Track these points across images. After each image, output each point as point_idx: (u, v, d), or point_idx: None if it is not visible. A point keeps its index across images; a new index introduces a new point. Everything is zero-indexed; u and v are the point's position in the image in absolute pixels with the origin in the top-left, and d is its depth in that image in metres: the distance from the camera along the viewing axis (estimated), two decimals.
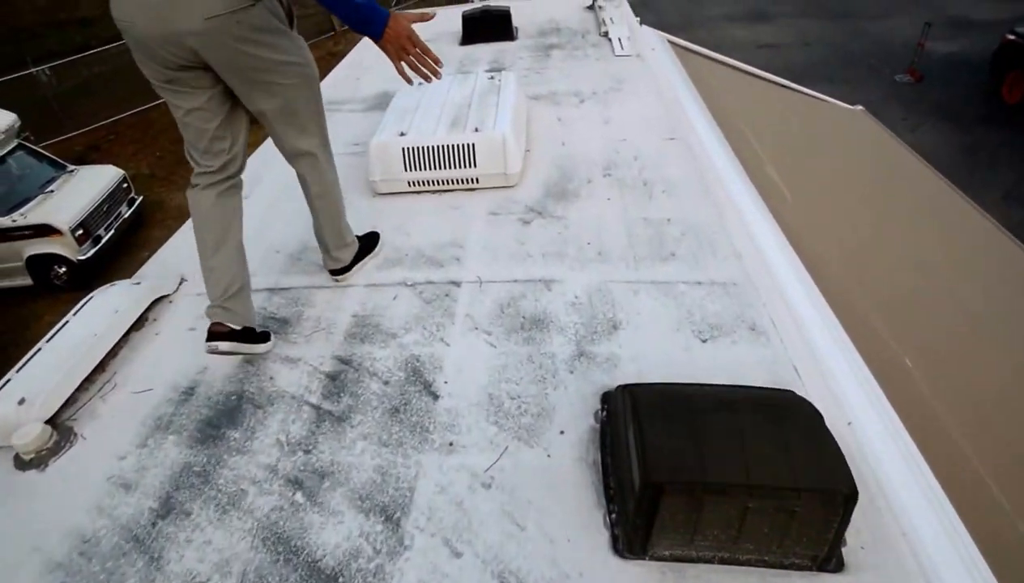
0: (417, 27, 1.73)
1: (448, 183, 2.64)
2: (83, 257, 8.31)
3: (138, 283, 2.20)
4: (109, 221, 8.86)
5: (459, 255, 2.26)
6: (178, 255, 2.47)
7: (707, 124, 3.21)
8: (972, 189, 4.53)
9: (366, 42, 4.98)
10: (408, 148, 2.56)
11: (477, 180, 2.62)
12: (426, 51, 1.75)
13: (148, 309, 2.15)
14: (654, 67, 3.82)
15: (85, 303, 2.09)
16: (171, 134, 13.01)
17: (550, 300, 1.99)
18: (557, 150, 2.91)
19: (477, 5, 4.86)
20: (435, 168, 2.58)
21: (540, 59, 4.12)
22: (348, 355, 1.86)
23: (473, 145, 2.53)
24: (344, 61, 4.59)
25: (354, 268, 2.20)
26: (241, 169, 1.86)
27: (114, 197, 9.04)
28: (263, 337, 1.90)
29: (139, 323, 2.10)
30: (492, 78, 3.07)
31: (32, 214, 8.12)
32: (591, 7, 5.10)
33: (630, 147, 2.87)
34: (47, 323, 8.40)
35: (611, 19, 4.64)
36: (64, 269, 8.40)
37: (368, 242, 2.28)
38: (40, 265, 8.31)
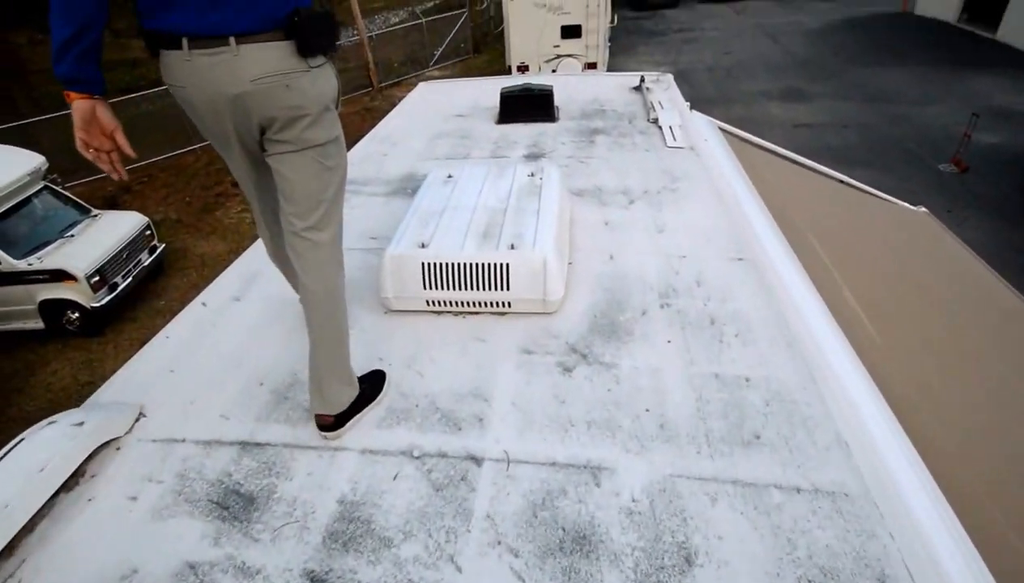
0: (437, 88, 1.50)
1: (474, 306, 2.17)
2: (97, 304, 8.03)
3: (81, 423, 1.73)
4: (128, 268, 8.60)
5: (482, 413, 1.76)
6: (140, 377, 2.01)
7: (777, 240, 2.72)
8: None
9: (399, 111, 4.67)
10: (429, 264, 2.10)
11: (509, 304, 2.14)
12: (99, 157, 1.51)
13: (88, 458, 1.68)
14: (710, 164, 3.37)
15: (8, 452, 1.62)
16: (202, 180, 12.92)
17: (599, 502, 1.47)
18: (604, 266, 2.44)
19: (517, 81, 4.50)
20: (460, 288, 2.11)
21: (584, 146, 3.71)
22: (323, 572, 1.35)
23: (507, 266, 2.06)
24: (371, 134, 4.23)
25: (349, 422, 1.72)
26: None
27: (135, 244, 8.79)
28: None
29: (72, 479, 1.63)
30: (532, 175, 2.63)
31: (49, 258, 7.88)
32: (638, 88, 4.72)
33: (690, 267, 2.39)
34: (52, 371, 8.08)
35: (660, 103, 4.24)
36: (77, 315, 8.12)
37: (372, 387, 1.82)
38: (53, 309, 8.04)
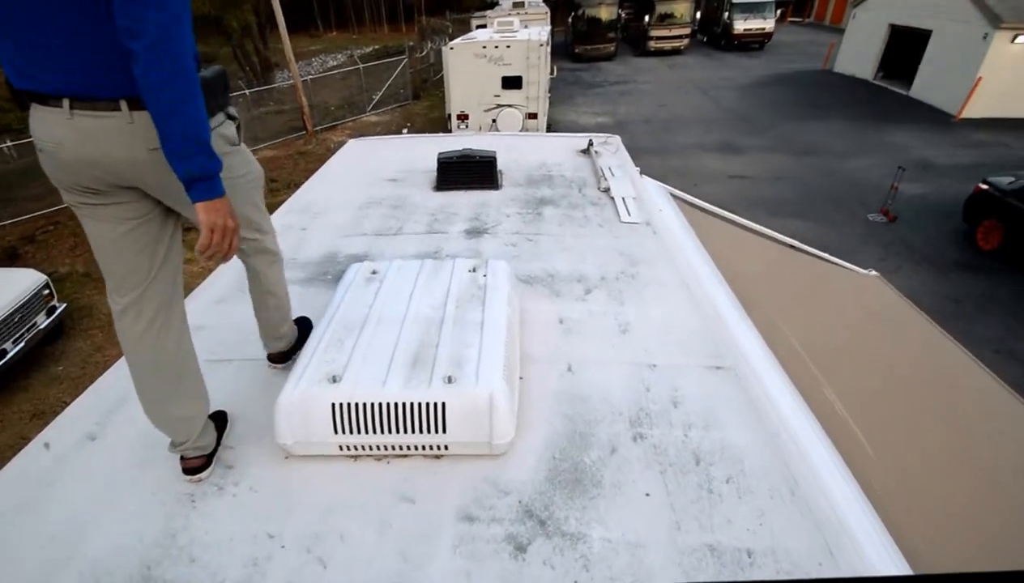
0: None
1: (403, 449, 1.69)
2: None
3: None
4: (19, 333, 7.62)
5: None
6: None
7: (753, 337, 2.38)
8: (962, 342, 3.82)
9: (325, 173, 4.18)
10: (342, 405, 1.61)
11: (447, 447, 1.67)
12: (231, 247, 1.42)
13: None
14: (669, 242, 3.03)
15: None
16: None
17: None
18: (562, 381, 2.01)
19: (458, 144, 4.10)
20: (383, 432, 1.63)
21: (531, 219, 3.32)
22: None
23: (444, 406, 1.60)
24: (288, 203, 3.72)
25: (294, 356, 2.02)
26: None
27: (29, 306, 7.83)
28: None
29: None
30: (475, 271, 2.20)
31: None
32: (586, 151, 4.41)
33: (663, 380, 1.99)
34: None
35: (610, 170, 3.92)
36: None
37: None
38: None
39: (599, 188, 3.71)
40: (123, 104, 1.28)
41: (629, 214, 3.31)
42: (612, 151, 4.38)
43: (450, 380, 1.63)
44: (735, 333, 2.32)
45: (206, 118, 1.28)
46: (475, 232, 3.19)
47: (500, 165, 4.06)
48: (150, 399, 1.57)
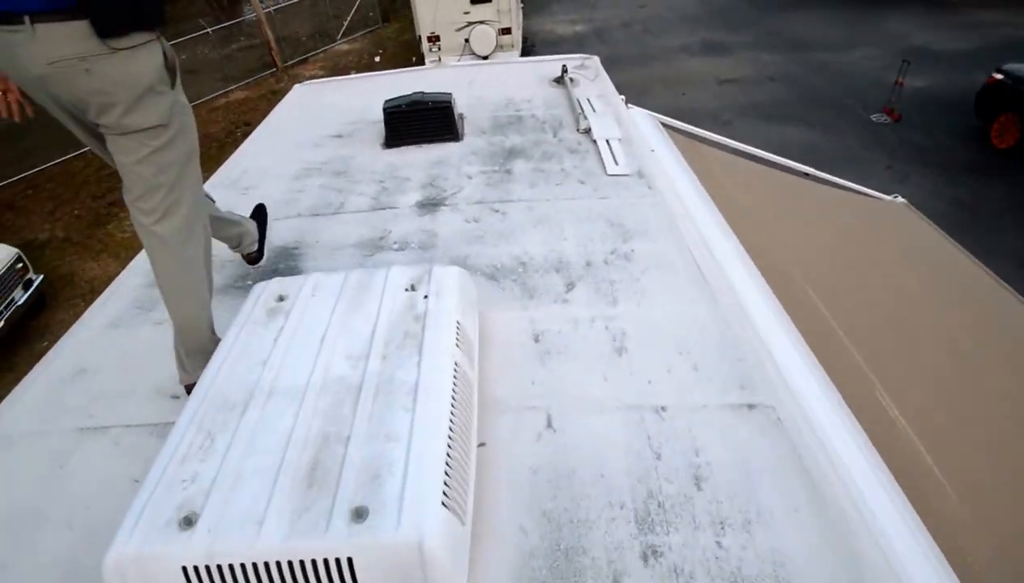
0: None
1: None
2: None
3: None
4: None
5: None
6: None
7: (795, 346, 1.75)
8: (981, 258, 3.25)
9: (263, 130, 3.42)
10: (198, 571, 1.00)
11: None
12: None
13: None
14: (669, 201, 2.35)
15: None
16: (92, 188, 11.07)
17: None
18: (539, 447, 1.39)
19: (408, 88, 3.31)
20: None
21: (497, 180, 2.62)
22: None
23: (349, 564, 0.99)
24: (220, 171, 3.01)
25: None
26: None
27: (3, 282, 7.20)
28: None
29: None
30: (412, 290, 1.54)
31: None
32: (560, 80, 3.61)
33: (679, 437, 1.38)
34: None
35: (590, 103, 3.17)
36: None
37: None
38: None
39: (578, 129, 2.97)
40: (26, 18, 1.20)
41: (616, 163, 2.60)
42: (591, 77, 3.59)
43: (360, 515, 1.01)
44: (767, 338, 1.69)
45: None
46: (430, 204, 2.49)
47: (461, 107, 3.30)
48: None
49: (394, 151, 2.99)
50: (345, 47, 16.36)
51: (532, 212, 2.34)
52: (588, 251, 2.07)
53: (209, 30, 14.16)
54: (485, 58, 11.80)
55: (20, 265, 7.52)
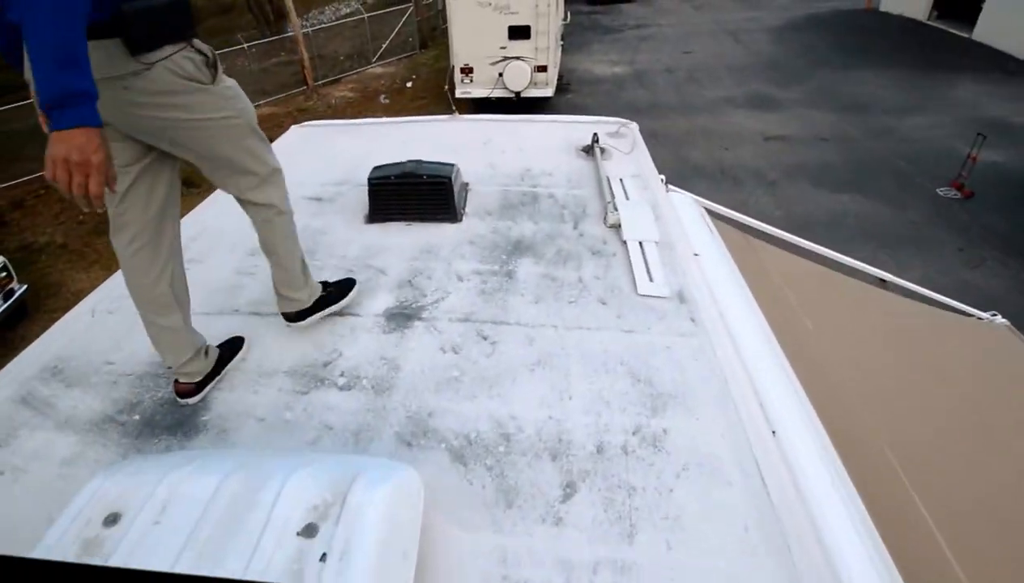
0: None
1: None
2: None
3: None
4: None
5: None
6: None
7: None
8: None
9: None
10: None
11: None
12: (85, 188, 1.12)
13: None
14: (719, 341, 1.76)
15: None
16: None
17: None
18: None
19: (419, 136, 2.81)
20: None
21: (495, 285, 2.05)
22: None
23: None
24: (189, 217, 2.53)
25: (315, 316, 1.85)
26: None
27: None
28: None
29: None
30: (307, 534, 0.97)
31: None
32: (589, 149, 3.07)
33: None
34: None
35: (623, 185, 2.62)
36: None
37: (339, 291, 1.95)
38: None
39: (605, 222, 2.40)
40: None
41: (651, 279, 2.02)
42: (626, 149, 3.04)
43: None
44: None
45: (69, 33, 1.04)
46: (401, 314, 1.94)
47: (468, 174, 2.78)
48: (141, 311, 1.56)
49: (377, 228, 2.45)
50: (379, 70, 16.20)
51: (532, 346, 1.77)
52: (601, 425, 1.49)
53: (245, 45, 14.07)
54: (518, 95, 11.44)
55: (3, 274, 7.18)
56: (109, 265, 8.67)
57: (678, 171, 9.44)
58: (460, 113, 11.40)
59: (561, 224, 2.42)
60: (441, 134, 3.42)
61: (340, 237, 2.41)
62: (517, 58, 11.16)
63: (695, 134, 10.94)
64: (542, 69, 11.26)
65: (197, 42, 1.39)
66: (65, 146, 1.07)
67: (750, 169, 9.46)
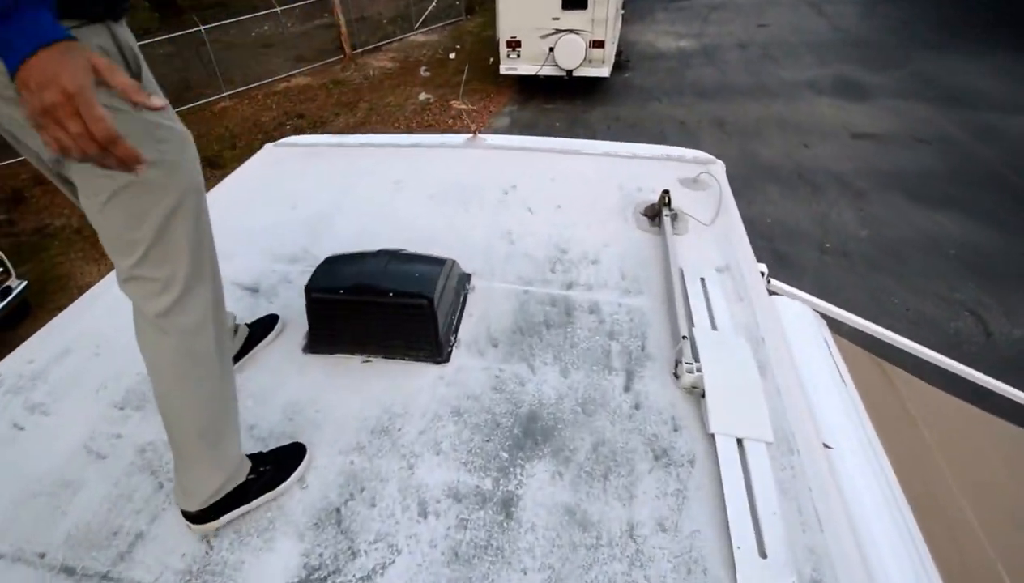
0: None
1: None
2: None
3: None
4: None
5: None
6: None
7: None
8: None
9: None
10: None
11: None
12: (108, 140, 0.77)
13: None
14: None
15: None
16: None
17: None
18: None
19: (422, 158, 1.96)
20: None
21: (483, 529, 1.19)
22: None
23: None
24: (46, 329, 1.77)
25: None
26: None
27: None
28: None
29: None
30: None
31: None
32: (656, 216, 2.14)
33: None
34: None
35: (704, 291, 1.71)
36: None
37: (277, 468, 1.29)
38: None
39: (677, 378, 1.49)
40: None
41: (762, 544, 1.12)
42: (707, 214, 2.11)
43: None
44: None
45: None
46: None
47: (479, 248, 1.91)
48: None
49: (317, 365, 1.61)
50: (421, 38, 15.18)
51: None
52: None
53: (279, 9, 13.27)
54: (570, 73, 10.34)
55: (0, 269, 6.68)
56: None
57: (746, 173, 8.28)
58: (492, 111, 10.37)
59: (606, 375, 1.53)
60: (450, 169, 2.54)
61: (261, 374, 1.57)
62: (570, 31, 10.03)
63: (769, 124, 9.67)
64: (598, 45, 10.10)
65: (117, 27, 0.94)
66: (34, 94, 0.71)
67: (833, 174, 8.21)
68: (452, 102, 11.11)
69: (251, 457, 1.27)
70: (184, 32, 12.06)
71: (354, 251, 1.67)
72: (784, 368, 1.53)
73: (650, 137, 9.45)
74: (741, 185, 8.49)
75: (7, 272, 6.75)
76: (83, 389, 1.57)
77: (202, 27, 11.93)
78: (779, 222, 7.19)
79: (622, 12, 11.66)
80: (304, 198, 2.37)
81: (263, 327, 1.65)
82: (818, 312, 2.17)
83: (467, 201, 2.29)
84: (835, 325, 2.20)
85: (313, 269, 1.59)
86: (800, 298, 2.19)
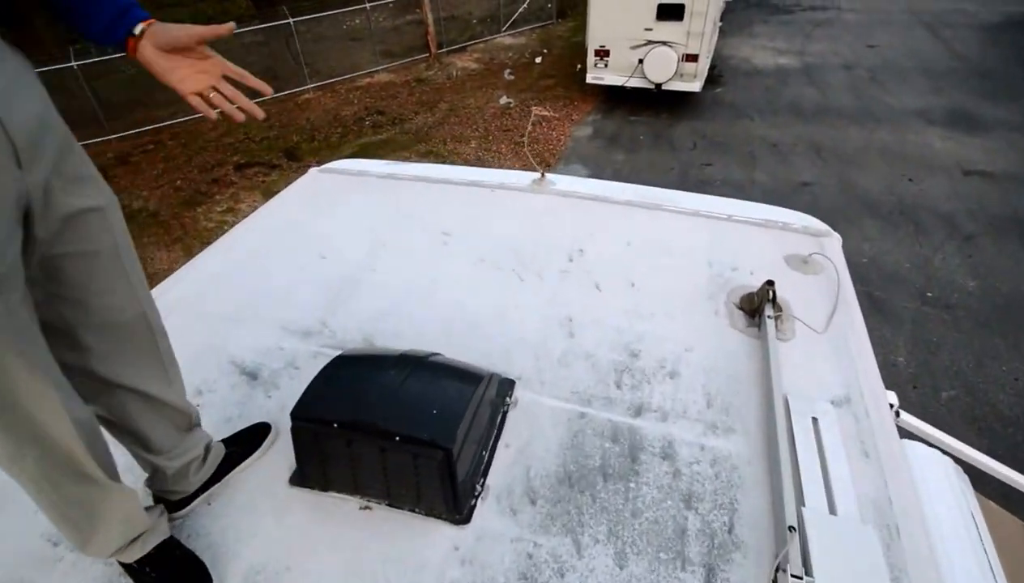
0: None
1: None
2: None
3: None
4: None
5: None
6: None
7: None
8: None
9: (198, 266, 1.93)
10: None
11: None
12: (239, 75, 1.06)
13: None
14: None
15: None
16: (208, 155, 10.53)
17: None
18: None
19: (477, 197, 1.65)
20: None
21: None
22: None
23: None
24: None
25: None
26: None
27: None
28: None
29: None
30: None
31: None
32: (755, 311, 1.68)
33: None
34: None
35: (815, 430, 1.28)
36: None
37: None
38: None
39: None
40: None
41: None
42: (819, 319, 1.63)
43: None
44: None
45: None
46: None
47: (529, 335, 1.54)
48: None
49: (303, 505, 1.25)
50: (508, 40, 14.89)
51: None
52: None
53: (367, 5, 13.23)
54: (658, 86, 9.76)
55: None
56: (191, 245, 8.26)
57: (842, 203, 7.55)
58: (575, 119, 9.84)
59: (677, 571, 1.11)
60: (509, 220, 2.16)
61: (229, 511, 1.24)
62: (663, 43, 9.45)
63: (871, 153, 8.80)
64: (692, 59, 9.49)
65: None
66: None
67: (940, 213, 7.34)
68: (533, 108, 10.72)
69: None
70: (275, 23, 12.19)
71: (370, 350, 1.31)
72: (926, 572, 1.06)
73: (738, 157, 8.78)
74: (836, 217, 7.73)
75: None
76: None
77: (291, 19, 12.04)
78: (875, 262, 6.48)
79: (719, 24, 10.92)
80: (337, 247, 2.05)
81: (247, 442, 1.37)
82: (956, 458, 1.65)
83: (524, 267, 1.90)
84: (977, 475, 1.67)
85: (327, 350, 1.25)
86: (936, 441, 1.68)
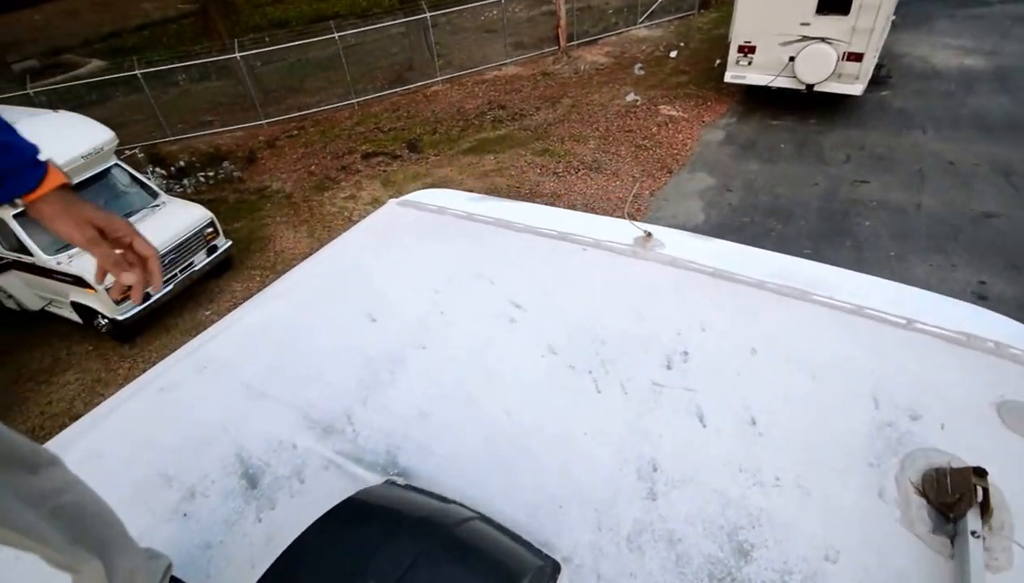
0: None
1: None
2: (121, 317, 6.50)
3: None
4: (173, 274, 6.81)
5: None
6: None
7: None
8: None
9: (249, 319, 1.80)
10: None
11: None
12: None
13: None
14: None
15: None
16: (342, 143, 10.84)
17: None
18: None
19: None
20: None
21: None
22: None
23: None
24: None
25: None
26: None
27: (186, 246, 7.03)
28: None
29: None
30: None
31: (75, 261, 6.32)
32: (950, 519, 1.08)
33: None
34: (64, 382, 6.56)
35: None
36: (106, 320, 6.65)
37: None
38: (84, 310, 6.68)
39: None
40: None
41: None
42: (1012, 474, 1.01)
43: None
44: None
45: None
46: None
47: (602, 472, 1.18)
48: None
49: None
50: (643, 32, 14.02)
51: None
52: None
53: None
54: (810, 88, 8.63)
55: (210, 230, 7.20)
56: (315, 228, 8.45)
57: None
58: (706, 121, 8.85)
59: None
60: (597, 294, 1.68)
61: None
62: (821, 39, 8.30)
63: None
64: (855, 57, 8.28)
65: None
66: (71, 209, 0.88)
67: None
68: (661, 107, 9.93)
69: None
70: (414, 18, 12.27)
71: (379, 499, 0.93)
72: None
73: (902, 175, 7.52)
74: (1005, 285, 6.26)
75: (216, 232, 7.29)
76: None
77: (427, 14, 12.05)
78: None
79: (892, 18, 9.43)
80: (391, 306, 1.71)
81: None
82: None
83: (606, 370, 1.43)
84: None
85: (341, 459, 0.88)
86: None
